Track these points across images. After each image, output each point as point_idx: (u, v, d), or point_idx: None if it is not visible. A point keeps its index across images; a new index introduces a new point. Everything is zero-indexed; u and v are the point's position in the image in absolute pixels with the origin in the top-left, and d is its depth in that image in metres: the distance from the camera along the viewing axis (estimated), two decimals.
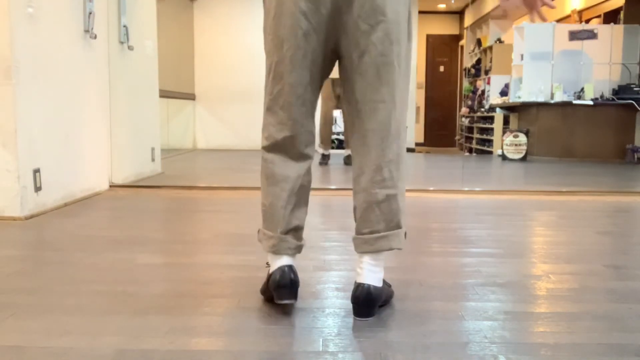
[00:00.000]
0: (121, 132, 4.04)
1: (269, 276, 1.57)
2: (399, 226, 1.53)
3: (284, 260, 1.54)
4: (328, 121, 5.87)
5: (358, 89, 1.50)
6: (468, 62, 10.51)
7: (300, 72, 1.49)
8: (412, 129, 9.01)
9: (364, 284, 1.51)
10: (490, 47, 9.18)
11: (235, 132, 8.19)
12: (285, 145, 1.54)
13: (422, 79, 11.28)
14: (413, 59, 9.10)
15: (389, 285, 1.67)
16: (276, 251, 1.54)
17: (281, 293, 1.52)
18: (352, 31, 1.45)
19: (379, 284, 1.53)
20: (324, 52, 1.50)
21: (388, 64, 1.47)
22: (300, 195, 1.56)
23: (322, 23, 1.45)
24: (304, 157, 1.56)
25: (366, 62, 1.46)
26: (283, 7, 1.45)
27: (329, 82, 5.67)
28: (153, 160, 4.71)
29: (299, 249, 1.57)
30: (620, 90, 7.06)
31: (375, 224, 1.51)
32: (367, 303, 1.52)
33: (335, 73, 1.57)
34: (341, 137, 7.57)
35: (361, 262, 1.54)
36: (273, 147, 1.55)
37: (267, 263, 1.62)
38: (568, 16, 8.32)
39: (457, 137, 10.71)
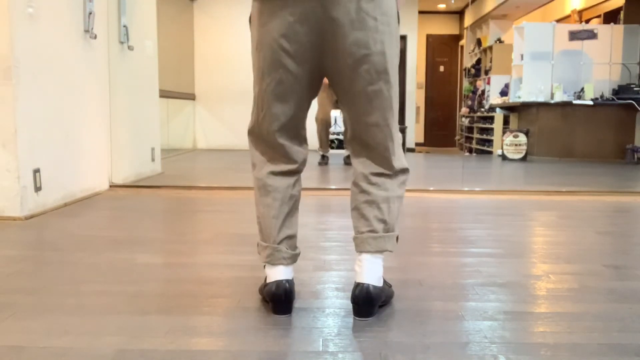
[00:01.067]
0: (121, 132, 4.04)
1: (266, 285, 1.58)
2: (394, 229, 1.56)
3: (281, 273, 1.54)
4: (325, 126, 5.87)
5: (351, 111, 1.51)
6: (468, 62, 10.50)
7: (284, 103, 1.49)
8: (412, 129, 9.02)
9: (363, 283, 1.52)
10: (490, 47, 9.18)
11: (235, 132, 8.19)
12: (277, 160, 1.57)
13: (422, 79, 11.27)
14: (413, 59, 9.18)
15: (390, 286, 1.67)
16: (271, 261, 1.55)
17: (277, 307, 1.54)
18: (338, 62, 1.44)
19: (379, 284, 1.53)
20: (310, 78, 1.49)
21: (377, 93, 1.47)
22: (291, 204, 1.58)
23: (305, 57, 1.44)
24: (294, 171, 1.58)
25: (356, 90, 1.47)
26: (263, 41, 1.45)
27: (325, 86, 5.67)
28: (153, 160, 4.71)
29: (294, 257, 1.58)
30: (620, 90, 7.06)
31: (374, 224, 1.53)
32: (367, 303, 1.52)
33: None
34: (341, 137, 7.57)
35: (361, 262, 1.54)
36: (264, 161, 1.58)
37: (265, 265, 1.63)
38: (568, 16, 8.33)
39: (457, 137, 10.71)
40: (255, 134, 1.57)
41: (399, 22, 1.50)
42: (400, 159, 1.57)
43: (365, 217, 1.54)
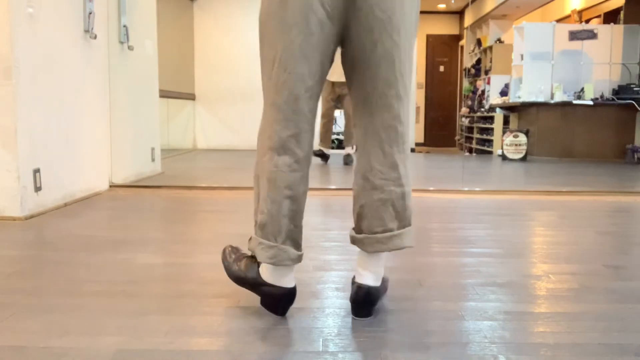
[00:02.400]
0: (121, 132, 4.04)
1: (264, 285, 1.51)
2: (410, 223, 1.50)
3: (285, 279, 1.49)
4: (328, 120, 5.86)
5: (369, 81, 1.42)
6: (468, 62, 10.51)
7: (310, 61, 1.38)
8: (412, 129, 9.00)
9: (363, 284, 1.51)
10: (490, 47, 9.18)
11: (235, 132, 8.18)
12: (291, 145, 1.44)
13: (422, 79, 11.28)
14: (413, 59, 9.20)
15: (386, 279, 1.64)
16: (276, 262, 1.46)
17: (276, 309, 1.52)
18: (366, 18, 1.36)
19: (378, 283, 1.53)
20: (335, 40, 1.41)
21: (402, 57, 1.40)
22: (300, 203, 1.49)
23: (336, 8, 1.36)
24: (306, 160, 1.48)
25: (379, 53, 1.38)
26: None
27: (328, 82, 5.67)
28: (153, 160, 4.71)
29: (299, 259, 1.50)
30: (620, 90, 7.06)
31: (389, 223, 1.47)
32: (367, 303, 1.51)
33: (333, 76, 1.52)
34: (341, 137, 7.57)
35: (363, 261, 1.53)
36: (277, 147, 1.44)
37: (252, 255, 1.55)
38: (568, 16, 8.33)
39: (457, 137, 10.71)
40: (277, 105, 1.42)
41: None
42: (409, 147, 1.50)
43: (379, 215, 1.46)
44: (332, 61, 1.47)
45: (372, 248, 1.49)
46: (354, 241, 1.54)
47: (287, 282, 1.51)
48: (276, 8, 1.38)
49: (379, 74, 1.42)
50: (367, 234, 1.49)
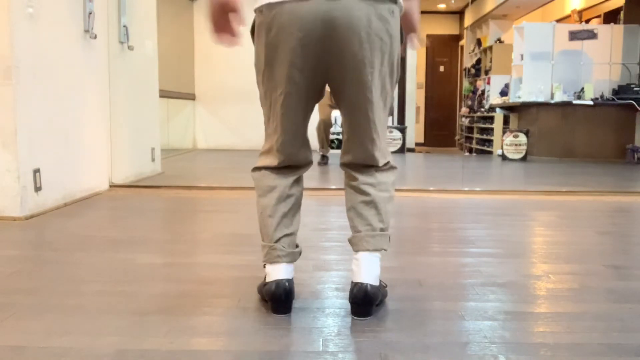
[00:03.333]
0: (121, 132, 4.04)
1: (265, 284, 1.57)
2: (388, 229, 1.58)
3: (281, 272, 1.54)
4: (326, 126, 5.90)
5: (346, 116, 1.56)
6: (468, 62, 10.51)
7: (294, 113, 1.52)
8: (412, 129, 9.01)
9: (361, 283, 1.51)
10: (490, 47, 9.18)
11: (235, 132, 8.18)
12: (278, 147, 1.57)
13: (422, 79, 11.27)
14: (413, 58, 9.18)
15: (385, 286, 1.67)
16: (269, 260, 1.55)
17: (276, 306, 1.55)
18: (340, 75, 1.48)
19: (376, 283, 1.53)
20: (315, 88, 1.53)
21: (372, 103, 1.50)
22: (289, 203, 1.58)
23: (314, 72, 1.47)
24: (292, 159, 1.59)
25: (354, 99, 1.50)
26: (276, 58, 1.46)
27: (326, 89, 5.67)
28: (153, 160, 4.71)
29: (292, 255, 1.57)
30: (620, 90, 7.06)
31: (373, 223, 1.54)
32: (365, 302, 1.52)
33: None
34: (341, 137, 7.57)
35: (358, 261, 1.54)
36: (267, 168, 1.60)
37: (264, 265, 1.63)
38: (568, 16, 8.33)
39: (457, 137, 10.71)
40: (269, 143, 1.59)
41: (401, 42, 1.55)
42: (385, 156, 1.60)
43: (363, 216, 1.55)
44: (319, 97, 1.58)
45: (356, 247, 1.56)
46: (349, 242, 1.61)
47: (283, 276, 1.54)
48: (264, 69, 1.51)
49: (353, 116, 1.54)
50: (353, 233, 1.58)
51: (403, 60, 9.04)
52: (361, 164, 1.58)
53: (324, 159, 5.96)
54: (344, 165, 1.62)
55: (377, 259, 1.55)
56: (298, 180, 1.62)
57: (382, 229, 1.55)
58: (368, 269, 1.52)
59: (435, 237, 2.59)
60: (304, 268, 1.94)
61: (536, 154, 7.16)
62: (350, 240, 1.58)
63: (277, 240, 1.55)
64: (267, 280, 1.56)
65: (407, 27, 1.66)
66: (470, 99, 9.98)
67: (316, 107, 1.65)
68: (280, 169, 1.59)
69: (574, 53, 7.27)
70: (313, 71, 1.47)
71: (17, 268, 1.98)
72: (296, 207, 1.61)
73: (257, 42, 1.52)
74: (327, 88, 1.58)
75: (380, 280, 1.58)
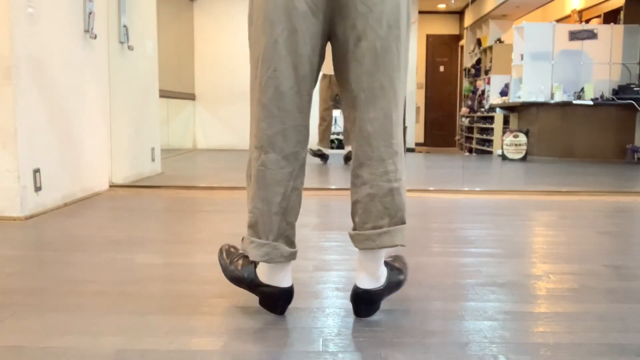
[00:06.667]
0: (121, 132, 4.04)
1: (261, 285, 1.51)
2: (402, 221, 1.46)
3: (281, 279, 1.49)
4: (327, 120, 5.85)
5: (353, 77, 1.41)
6: (468, 62, 10.50)
7: (295, 58, 1.37)
8: (412, 129, 9.01)
9: (357, 286, 1.50)
10: (490, 47, 9.18)
11: (235, 132, 8.18)
12: (277, 142, 1.42)
13: (422, 79, 11.27)
14: (413, 59, 9.18)
15: (400, 271, 1.60)
16: (269, 260, 1.45)
17: (275, 308, 1.52)
18: (349, 12, 1.36)
19: (379, 283, 1.52)
20: (322, 36, 1.40)
21: (386, 49, 1.38)
22: (293, 199, 1.46)
23: (319, 3, 1.35)
24: (296, 156, 1.45)
25: (363, 47, 1.37)
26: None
27: (327, 80, 5.67)
28: (153, 160, 4.71)
29: (292, 255, 1.48)
30: (620, 90, 7.06)
31: (379, 219, 1.43)
32: (367, 302, 1.51)
33: (332, 70, 1.50)
34: (341, 137, 7.57)
35: (360, 261, 1.52)
36: (263, 145, 1.43)
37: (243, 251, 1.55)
38: (568, 16, 8.33)
39: (457, 137, 10.71)
40: (261, 103, 1.41)
41: None
42: (400, 144, 1.46)
43: (369, 211, 1.44)
44: (322, 57, 1.45)
45: (361, 245, 1.47)
46: (350, 238, 1.53)
47: (283, 282, 1.51)
48: (260, 5, 1.38)
49: (363, 68, 1.40)
50: (357, 230, 1.47)
51: None
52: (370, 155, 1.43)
53: (324, 158, 5.94)
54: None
55: (381, 258, 1.51)
56: (301, 169, 1.48)
57: (390, 224, 1.44)
58: (369, 268, 1.50)
59: (435, 237, 2.59)
60: (304, 268, 1.94)
61: (536, 154, 7.16)
62: (354, 237, 1.49)
63: (279, 239, 1.46)
64: (265, 281, 1.51)
65: None
66: (470, 99, 9.98)
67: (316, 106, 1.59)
68: (278, 152, 1.43)
69: (574, 53, 7.27)
70: (319, 14, 1.35)
71: (17, 268, 1.98)
72: (299, 201, 1.50)
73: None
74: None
75: (395, 267, 1.55)
